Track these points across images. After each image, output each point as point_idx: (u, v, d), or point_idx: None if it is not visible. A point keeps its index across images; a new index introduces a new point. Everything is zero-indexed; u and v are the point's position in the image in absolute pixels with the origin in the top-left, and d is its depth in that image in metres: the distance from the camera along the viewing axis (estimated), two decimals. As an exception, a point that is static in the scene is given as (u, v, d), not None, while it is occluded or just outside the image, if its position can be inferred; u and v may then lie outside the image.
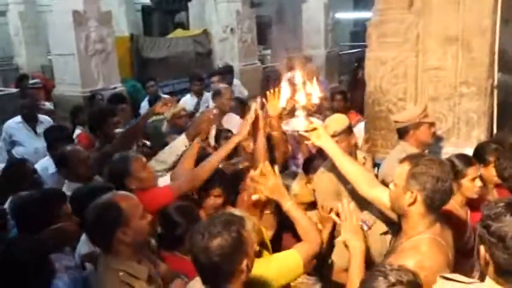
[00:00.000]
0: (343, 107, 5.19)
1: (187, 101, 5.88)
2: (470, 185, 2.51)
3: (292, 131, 2.48)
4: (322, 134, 2.29)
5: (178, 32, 10.52)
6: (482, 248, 1.38)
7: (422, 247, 1.78)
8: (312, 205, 2.84)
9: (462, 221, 2.53)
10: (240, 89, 6.95)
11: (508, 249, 1.28)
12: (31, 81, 7.11)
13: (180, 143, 3.08)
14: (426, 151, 3.17)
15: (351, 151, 2.83)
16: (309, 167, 3.15)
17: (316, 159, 3.17)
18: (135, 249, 1.89)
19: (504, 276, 1.33)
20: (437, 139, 3.52)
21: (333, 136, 2.68)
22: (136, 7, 14.74)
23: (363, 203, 2.42)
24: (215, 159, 2.69)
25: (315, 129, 2.29)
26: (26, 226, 2.03)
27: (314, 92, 2.33)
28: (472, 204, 2.66)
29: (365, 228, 2.37)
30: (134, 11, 14.54)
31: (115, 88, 6.53)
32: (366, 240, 2.10)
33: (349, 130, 2.86)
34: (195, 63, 9.19)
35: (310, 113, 2.41)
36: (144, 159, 2.80)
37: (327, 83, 7.16)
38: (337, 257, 2.44)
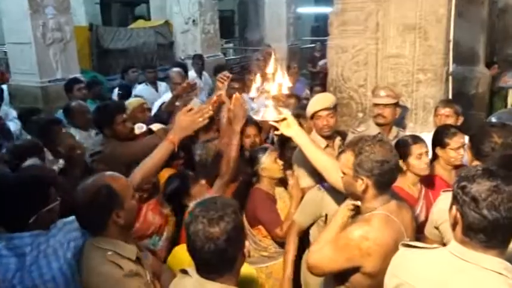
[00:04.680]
0: None
1: (143, 90, 5.85)
2: (417, 162, 2.65)
3: (262, 120, 2.51)
4: (292, 124, 2.31)
5: (140, 23, 10.37)
6: (454, 208, 1.46)
7: (372, 221, 1.87)
8: (281, 181, 2.99)
9: (411, 198, 2.65)
10: (207, 79, 6.98)
11: (480, 209, 1.36)
12: (-18, 74, 6.85)
13: None
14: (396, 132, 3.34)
15: (334, 129, 3.11)
16: (285, 145, 3.29)
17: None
18: (125, 230, 1.84)
19: (470, 234, 1.40)
20: (396, 124, 3.64)
21: (328, 109, 2.99)
22: (94, -1, 14.38)
23: None
24: None
25: (284, 119, 2.32)
26: (21, 211, 1.88)
27: (284, 83, 2.35)
28: (427, 183, 2.79)
29: (321, 189, 2.55)
30: (92, 4, 14.16)
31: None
32: None
33: (336, 108, 3.15)
34: (156, 54, 9.08)
35: (279, 104, 2.42)
36: None
37: (304, 83, 7.11)
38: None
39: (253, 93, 2.39)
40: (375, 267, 1.82)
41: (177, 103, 3.93)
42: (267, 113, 2.32)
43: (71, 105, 4.37)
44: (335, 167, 2.22)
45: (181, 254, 2.06)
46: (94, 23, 9.42)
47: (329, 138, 3.12)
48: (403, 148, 2.64)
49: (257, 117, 2.41)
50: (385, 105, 3.22)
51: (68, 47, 6.50)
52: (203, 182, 2.80)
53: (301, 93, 6.21)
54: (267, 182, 2.91)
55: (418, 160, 2.66)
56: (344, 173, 1.96)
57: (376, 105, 3.26)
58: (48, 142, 3.23)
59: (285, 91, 2.37)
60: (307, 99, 5.51)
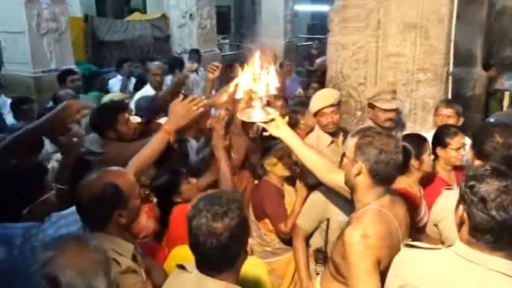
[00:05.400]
0: None
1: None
2: (428, 158, 2.64)
3: (249, 121, 2.43)
4: (280, 124, 2.26)
5: (136, 15, 10.27)
6: (460, 207, 1.43)
7: (365, 217, 1.83)
8: (287, 179, 2.95)
9: (416, 198, 2.63)
10: (203, 74, 6.93)
11: (488, 210, 1.34)
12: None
13: None
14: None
15: (338, 125, 3.14)
16: None
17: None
18: (125, 228, 1.80)
19: (477, 235, 1.38)
20: (395, 124, 3.61)
21: (332, 106, 3.02)
22: (90, -9, 14.20)
23: None
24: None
25: (272, 119, 2.25)
26: (14, 204, 1.87)
27: (272, 82, 2.27)
28: (424, 183, 2.77)
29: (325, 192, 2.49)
30: (87, -5, 14.01)
31: (69, 69, 6.29)
32: None
33: (340, 103, 3.19)
34: (152, 47, 9.00)
35: (267, 104, 2.34)
36: None
37: (298, 81, 7.02)
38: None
39: (240, 94, 2.31)
40: (387, 261, 1.77)
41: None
42: (255, 113, 2.24)
43: (58, 93, 4.44)
44: (327, 166, 2.20)
45: (181, 255, 2.00)
46: (89, 14, 9.33)
47: (333, 134, 3.11)
48: (418, 145, 2.63)
49: (244, 118, 2.32)
50: (393, 109, 3.17)
51: (62, 38, 6.43)
52: (194, 181, 2.74)
53: (294, 91, 6.19)
54: (275, 176, 2.90)
55: (429, 157, 2.66)
56: (347, 157, 1.93)
57: (383, 110, 3.15)
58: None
59: (273, 91, 2.29)
60: (300, 97, 5.50)
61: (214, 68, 3.36)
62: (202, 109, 2.28)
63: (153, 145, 2.18)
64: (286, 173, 2.87)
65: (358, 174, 1.87)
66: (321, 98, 3.09)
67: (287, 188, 2.94)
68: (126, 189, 1.74)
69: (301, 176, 2.79)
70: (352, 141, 1.91)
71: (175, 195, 2.66)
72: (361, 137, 1.87)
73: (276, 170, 2.86)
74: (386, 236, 1.79)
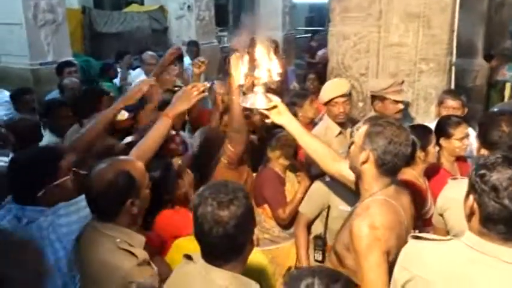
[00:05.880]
0: (317, 88, 4.29)
1: (139, 75, 5.70)
2: (433, 150, 2.63)
3: (251, 107, 2.36)
4: (283, 111, 2.19)
5: (134, 7, 10.16)
6: (470, 197, 1.39)
7: (371, 208, 1.79)
8: (290, 167, 2.95)
9: (423, 190, 2.60)
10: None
11: (500, 199, 1.30)
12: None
13: None
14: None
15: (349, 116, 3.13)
16: None
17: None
18: (135, 219, 1.75)
19: (489, 225, 1.34)
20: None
21: (345, 96, 3.01)
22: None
23: None
24: None
25: (275, 106, 2.19)
26: (29, 185, 1.85)
27: (274, 69, 2.23)
28: (429, 174, 2.75)
29: (328, 180, 2.48)
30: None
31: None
32: None
33: (351, 94, 3.17)
34: (150, 39, 8.92)
35: (269, 91, 2.29)
36: None
37: (294, 74, 6.94)
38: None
39: (241, 79, 2.28)
40: (395, 252, 1.73)
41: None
42: (257, 100, 2.18)
43: (63, 82, 4.64)
44: (331, 156, 2.17)
45: (184, 247, 1.96)
46: (86, 6, 9.24)
47: (342, 125, 3.09)
48: (423, 136, 2.60)
49: (245, 105, 2.25)
50: (402, 100, 3.15)
51: (60, 29, 6.35)
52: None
53: (290, 84, 6.13)
54: (277, 164, 2.88)
55: (434, 148, 2.64)
56: (355, 144, 1.90)
57: (395, 101, 3.11)
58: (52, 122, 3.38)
59: (276, 77, 2.24)
60: (294, 90, 5.46)
61: (199, 64, 3.42)
62: (204, 94, 2.26)
63: (156, 131, 2.17)
64: (287, 162, 2.86)
65: (364, 162, 1.84)
66: (333, 88, 3.06)
67: (289, 175, 2.94)
68: (138, 178, 1.72)
69: (304, 165, 2.77)
70: (362, 129, 1.88)
71: (165, 194, 2.45)
72: (372, 125, 1.84)
73: (278, 157, 2.85)
74: (394, 226, 1.76)
